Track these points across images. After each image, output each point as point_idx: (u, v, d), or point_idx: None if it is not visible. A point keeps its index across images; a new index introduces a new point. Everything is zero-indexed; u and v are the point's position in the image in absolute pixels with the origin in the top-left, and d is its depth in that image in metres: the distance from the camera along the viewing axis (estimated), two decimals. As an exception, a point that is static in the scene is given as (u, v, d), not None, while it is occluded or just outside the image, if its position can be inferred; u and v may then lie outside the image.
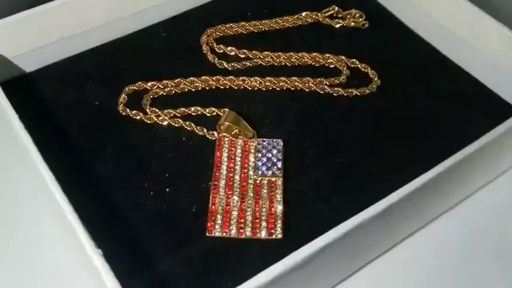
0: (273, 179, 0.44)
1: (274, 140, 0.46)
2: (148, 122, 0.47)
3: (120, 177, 0.44)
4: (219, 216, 0.41)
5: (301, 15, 0.55)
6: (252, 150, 0.45)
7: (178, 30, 0.54)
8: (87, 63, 0.51)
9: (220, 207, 0.42)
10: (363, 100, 0.50)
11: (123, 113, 0.48)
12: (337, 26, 0.55)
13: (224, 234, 0.41)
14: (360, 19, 0.55)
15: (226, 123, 0.46)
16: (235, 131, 0.46)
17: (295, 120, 0.48)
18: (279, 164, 0.44)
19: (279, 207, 0.42)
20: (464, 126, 0.48)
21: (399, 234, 0.46)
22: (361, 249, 0.43)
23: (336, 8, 0.56)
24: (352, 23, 0.55)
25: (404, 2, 0.56)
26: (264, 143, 0.45)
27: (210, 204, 0.42)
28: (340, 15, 0.56)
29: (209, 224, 0.41)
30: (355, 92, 0.50)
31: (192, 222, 0.41)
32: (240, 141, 0.45)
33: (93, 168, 0.44)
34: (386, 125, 0.48)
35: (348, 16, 0.56)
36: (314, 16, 0.55)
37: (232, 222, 0.41)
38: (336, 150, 0.46)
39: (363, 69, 0.52)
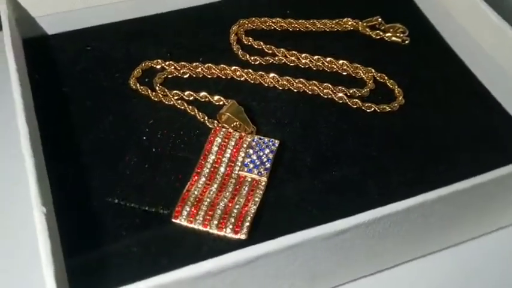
0: (257, 178, 0.42)
1: (271, 140, 0.44)
2: (155, 99, 0.47)
3: (108, 145, 0.44)
4: (188, 204, 0.40)
5: (341, 20, 0.53)
6: (245, 146, 0.43)
7: (214, 16, 0.54)
8: (113, 35, 0.52)
9: (193, 196, 0.40)
10: (380, 117, 0.47)
11: (134, 87, 0.48)
12: (376, 37, 0.52)
13: (188, 223, 0.39)
14: (402, 34, 0.52)
15: (227, 114, 0.44)
16: (235, 123, 0.44)
17: (301, 125, 0.46)
18: (268, 164, 0.42)
19: (253, 208, 0.40)
20: (482, 160, 0.44)
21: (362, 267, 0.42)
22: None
23: (380, 19, 0.53)
24: (393, 37, 0.52)
25: (454, 24, 0.52)
26: (259, 141, 0.44)
27: (184, 190, 0.41)
28: (383, 28, 0.53)
29: (176, 210, 0.40)
30: (374, 107, 0.47)
31: (162, 204, 0.40)
32: (236, 134, 0.44)
33: (85, 132, 0.44)
34: (395, 147, 0.45)
35: (391, 30, 0.53)
36: (354, 24, 0.53)
37: (200, 212, 0.39)
38: (333, 162, 0.43)
39: (389, 85, 0.49)
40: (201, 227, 0.39)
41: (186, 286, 0.33)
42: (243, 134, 0.44)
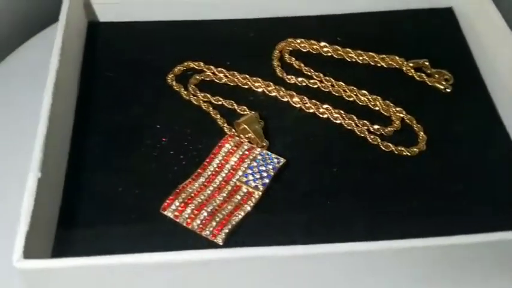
0: (252, 190, 0.43)
1: (277, 158, 0.45)
2: (186, 97, 0.50)
3: (127, 131, 0.47)
4: (179, 199, 0.42)
5: (388, 56, 0.53)
6: (251, 157, 0.45)
7: (265, 31, 0.55)
8: (166, 32, 0.55)
9: (186, 193, 0.42)
10: (395, 158, 0.46)
11: (170, 82, 0.50)
12: (419, 79, 0.52)
13: (174, 217, 0.41)
14: (445, 82, 0.51)
15: (243, 124, 0.46)
16: (249, 134, 0.46)
17: (314, 151, 0.46)
18: (266, 180, 0.43)
19: (239, 217, 0.41)
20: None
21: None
22: None
23: (427, 63, 0.52)
24: (436, 83, 0.51)
25: (503, 79, 0.50)
26: (266, 156, 0.45)
27: (180, 186, 0.43)
28: (429, 72, 0.52)
29: (166, 202, 0.42)
30: (392, 148, 0.46)
31: (158, 196, 0.43)
32: (246, 145, 0.45)
33: (111, 115, 0.48)
34: (401, 194, 0.44)
35: (436, 75, 0.52)
36: (400, 62, 0.52)
37: (187, 210, 0.41)
38: (331, 193, 0.44)
39: (415, 129, 0.48)
40: (184, 224, 0.41)
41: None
42: (253, 146, 0.45)
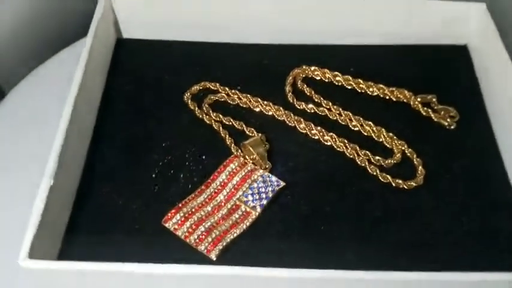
0: (250, 210, 0.45)
1: (277, 180, 0.47)
2: (198, 115, 0.52)
3: (138, 143, 0.50)
4: (180, 214, 0.45)
5: (397, 90, 0.54)
6: (253, 178, 0.47)
7: (282, 57, 0.58)
8: (187, 52, 0.58)
9: (188, 208, 0.45)
10: (392, 190, 0.48)
11: (186, 100, 0.53)
12: (425, 114, 0.53)
13: (174, 230, 0.44)
14: (450, 119, 0.52)
15: (248, 146, 0.49)
16: (253, 156, 0.48)
17: (314, 177, 0.48)
18: (264, 201, 0.46)
19: (234, 235, 0.44)
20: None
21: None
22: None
23: (434, 99, 0.54)
24: (441, 120, 0.53)
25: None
26: (266, 178, 0.47)
27: (183, 201, 0.45)
28: (435, 107, 0.54)
29: (168, 216, 0.45)
30: (389, 179, 0.48)
31: (162, 208, 0.46)
32: (249, 166, 0.48)
33: (126, 126, 0.51)
34: (394, 225, 0.46)
35: (442, 112, 0.53)
36: (408, 96, 0.54)
37: (186, 224, 0.44)
38: (326, 219, 0.46)
39: (415, 163, 0.49)
40: (182, 237, 0.44)
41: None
42: (256, 168, 0.48)
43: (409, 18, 0.58)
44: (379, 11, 0.58)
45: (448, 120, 0.53)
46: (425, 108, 0.54)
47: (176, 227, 0.44)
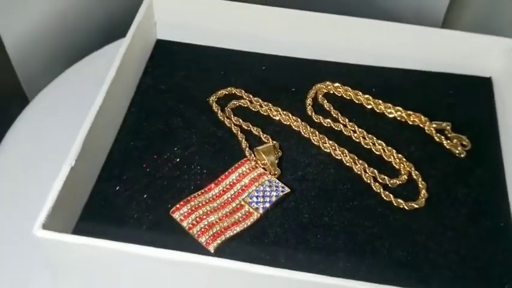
0: (252, 211, 0.48)
1: (283, 186, 0.50)
2: (220, 118, 0.56)
3: (160, 137, 0.54)
4: (188, 206, 0.48)
5: (414, 114, 0.56)
6: (260, 181, 0.50)
7: (309, 70, 0.60)
8: (221, 58, 0.61)
9: (196, 202, 0.48)
10: (393, 209, 0.50)
11: (211, 103, 0.57)
12: (437, 140, 0.55)
13: (180, 221, 0.47)
14: (461, 147, 0.54)
15: (260, 152, 0.52)
16: (264, 161, 0.51)
17: (319, 187, 0.51)
18: (267, 204, 0.49)
19: (234, 231, 0.47)
20: None
21: None
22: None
23: (449, 127, 0.55)
24: (452, 147, 0.54)
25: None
26: (273, 183, 0.50)
27: (192, 195, 0.49)
28: (448, 134, 0.55)
29: (176, 207, 0.48)
30: (391, 198, 0.50)
31: (174, 200, 0.49)
32: (259, 170, 0.51)
33: (154, 121, 0.55)
34: (389, 243, 0.48)
35: (455, 140, 0.55)
36: (423, 121, 0.56)
37: (192, 216, 0.47)
38: (324, 229, 0.48)
39: (420, 186, 0.51)
40: (186, 228, 0.47)
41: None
42: (265, 172, 0.51)
43: (436, 46, 0.60)
44: (410, 37, 0.60)
45: (459, 148, 0.54)
46: (438, 135, 0.55)
47: (182, 218, 0.47)
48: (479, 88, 0.60)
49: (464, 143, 0.54)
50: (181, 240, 0.47)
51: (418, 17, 0.77)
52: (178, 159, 0.52)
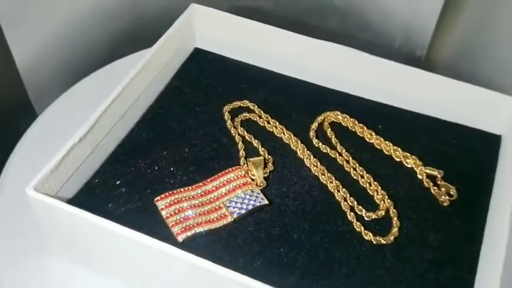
0: (227, 215, 0.52)
1: (262, 198, 0.53)
2: (228, 127, 0.60)
3: (172, 137, 0.59)
4: (171, 198, 0.53)
5: (409, 156, 0.58)
6: (243, 189, 0.54)
7: (323, 97, 0.64)
8: (246, 72, 0.66)
9: (180, 196, 0.53)
10: (360, 240, 0.52)
11: (224, 112, 0.62)
12: (425, 185, 0.56)
13: (161, 210, 0.52)
14: (447, 196, 0.55)
15: (250, 163, 0.56)
16: (253, 172, 0.55)
17: (298, 206, 0.54)
18: (243, 211, 0.53)
19: (205, 228, 0.51)
20: None
21: None
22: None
23: (440, 175, 0.57)
24: (436, 195, 0.55)
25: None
26: (254, 193, 0.54)
27: (180, 188, 0.54)
28: (438, 182, 0.56)
29: (161, 196, 0.53)
30: (361, 229, 0.52)
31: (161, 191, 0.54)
32: (246, 179, 0.55)
33: (167, 121, 0.61)
34: (343, 268, 0.50)
35: (443, 188, 0.56)
36: (418, 164, 0.57)
37: (172, 208, 0.52)
38: (289, 244, 0.51)
39: (393, 223, 0.53)
40: (164, 217, 0.52)
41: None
42: (251, 182, 0.55)
43: (453, 96, 0.61)
44: (427, 83, 0.61)
45: (443, 197, 0.55)
46: (428, 180, 0.57)
47: (163, 207, 0.52)
48: (486, 143, 0.60)
49: (451, 192, 0.56)
50: (156, 226, 0.52)
51: (407, 37, 0.80)
52: (178, 156, 0.57)
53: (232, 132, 0.60)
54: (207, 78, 0.66)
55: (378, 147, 0.60)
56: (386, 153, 0.59)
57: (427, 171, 0.57)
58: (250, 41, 0.66)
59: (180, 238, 0.50)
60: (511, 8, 0.69)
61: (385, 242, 0.52)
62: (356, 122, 0.61)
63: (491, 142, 0.60)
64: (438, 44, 0.80)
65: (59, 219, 0.49)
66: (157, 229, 0.51)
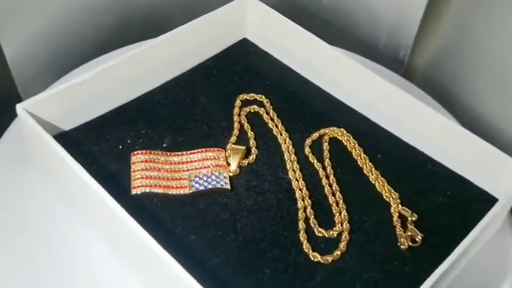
0: (186, 186, 0.55)
1: (226, 182, 0.55)
2: (233, 114, 0.63)
3: (179, 114, 0.62)
4: (146, 156, 0.56)
5: (392, 192, 0.56)
6: (213, 170, 0.56)
7: (335, 112, 0.64)
8: (273, 71, 0.68)
9: (154, 156, 0.56)
10: (302, 252, 0.52)
11: (234, 101, 0.64)
12: (394, 223, 0.54)
13: (132, 163, 0.56)
14: (410, 242, 0.52)
15: (231, 149, 0.58)
16: (229, 158, 0.57)
17: (259, 203, 0.55)
18: (201, 187, 0.55)
19: (159, 191, 0.54)
20: None
21: None
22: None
23: (412, 219, 0.54)
24: (401, 238, 0.52)
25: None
26: (221, 175, 0.56)
27: (158, 150, 0.57)
28: (408, 225, 0.54)
29: (138, 152, 0.57)
30: (308, 246, 0.52)
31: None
32: (219, 162, 0.57)
33: (181, 100, 0.64)
34: (286, 278, 0.50)
35: (409, 232, 0.53)
36: (396, 201, 0.55)
37: (142, 165, 0.55)
38: (238, 239, 0.52)
39: (340, 245, 0.52)
40: (131, 171, 0.55)
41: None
42: (224, 166, 0.57)
43: (465, 148, 0.57)
44: (439, 128, 0.59)
45: (404, 240, 0.52)
46: (398, 219, 0.54)
47: (135, 161, 0.56)
48: (480, 204, 0.56)
49: (416, 239, 0.53)
50: (125, 178, 0.56)
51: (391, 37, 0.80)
52: (175, 125, 0.61)
53: (235, 119, 0.62)
54: (239, 67, 0.68)
55: (366, 173, 0.58)
56: (371, 181, 0.58)
57: (401, 210, 0.55)
58: (291, 44, 0.68)
59: (134, 191, 0.54)
60: (489, 9, 0.70)
61: (321, 261, 0.51)
62: (356, 144, 0.60)
63: (487, 204, 0.56)
64: (421, 45, 0.80)
65: (39, 144, 0.55)
66: (125, 180, 0.55)
